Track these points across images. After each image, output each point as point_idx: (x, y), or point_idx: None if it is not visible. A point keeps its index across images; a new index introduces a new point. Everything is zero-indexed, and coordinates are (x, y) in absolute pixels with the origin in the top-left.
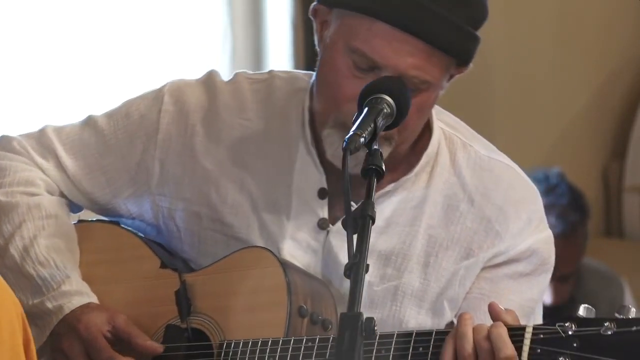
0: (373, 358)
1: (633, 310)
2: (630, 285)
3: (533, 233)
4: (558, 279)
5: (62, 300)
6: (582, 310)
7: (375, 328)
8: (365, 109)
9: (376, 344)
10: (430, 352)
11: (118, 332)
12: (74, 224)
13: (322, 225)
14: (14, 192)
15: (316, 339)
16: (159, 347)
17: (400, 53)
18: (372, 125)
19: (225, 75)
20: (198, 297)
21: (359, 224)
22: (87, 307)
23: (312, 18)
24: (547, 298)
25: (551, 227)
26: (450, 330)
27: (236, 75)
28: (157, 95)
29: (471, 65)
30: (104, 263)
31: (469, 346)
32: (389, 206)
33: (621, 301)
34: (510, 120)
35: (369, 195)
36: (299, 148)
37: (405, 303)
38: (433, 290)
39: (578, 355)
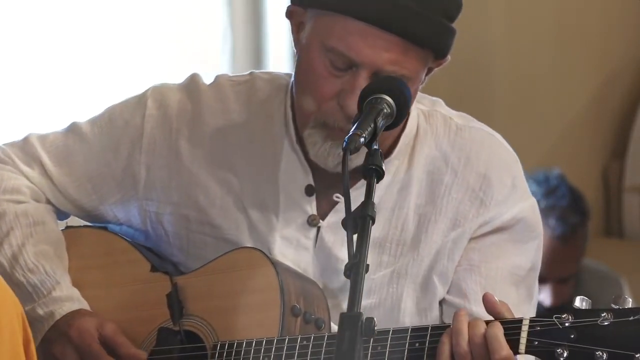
0: (369, 354)
1: (629, 300)
2: (630, 286)
3: (518, 201)
4: (558, 280)
5: (53, 307)
6: (578, 302)
7: (375, 328)
8: (365, 109)
9: (372, 340)
10: (426, 348)
11: (105, 340)
12: (63, 230)
13: (312, 222)
14: (0, 200)
15: (311, 337)
16: (141, 355)
17: (375, 49)
18: (372, 125)
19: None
20: (190, 300)
21: (359, 224)
22: (78, 312)
23: (288, 19)
24: (547, 299)
25: (551, 229)
26: (447, 326)
27: (217, 77)
28: (140, 100)
29: (449, 57)
30: (94, 268)
31: (464, 343)
32: (375, 193)
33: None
34: (510, 121)
35: (369, 195)
36: (283, 147)
37: (401, 283)
38: (425, 265)
39: (575, 346)
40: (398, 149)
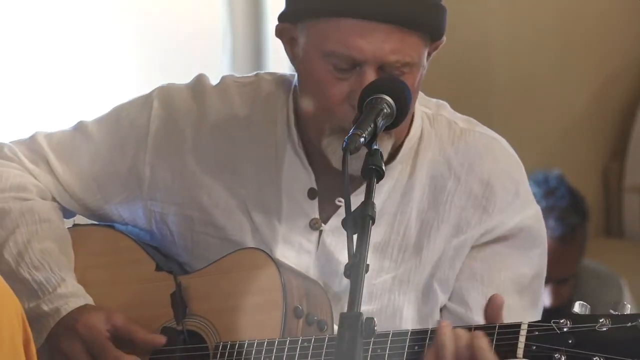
0: (369, 357)
1: (628, 306)
2: (629, 286)
3: (521, 209)
4: (557, 281)
5: (58, 303)
6: (577, 307)
7: (376, 328)
8: (365, 109)
9: (372, 343)
10: (425, 351)
11: (117, 331)
12: (69, 228)
13: (315, 225)
14: (6, 197)
15: (312, 339)
16: (161, 338)
17: (375, 43)
18: (372, 125)
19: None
20: (193, 299)
21: (359, 224)
22: (84, 308)
23: (279, 39)
24: (547, 300)
25: (551, 229)
26: None
27: (223, 78)
28: (146, 101)
29: (444, 38)
30: (99, 266)
31: (450, 356)
32: (377, 197)
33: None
34: (510, 121)
35: (369, 195)
36: (286, 150)
37: (403, 290)
38: (427, 272)
39: (573, 351)
40: (402, 153)
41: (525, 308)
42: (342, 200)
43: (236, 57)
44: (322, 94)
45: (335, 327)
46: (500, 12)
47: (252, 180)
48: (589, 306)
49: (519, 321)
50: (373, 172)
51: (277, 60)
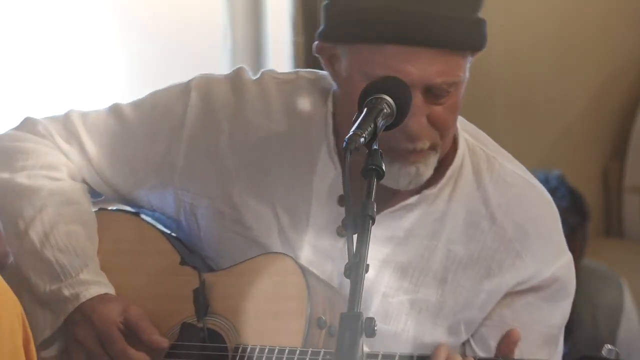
0: None
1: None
2: (629, 286)
3: (555, 259)
4: None
5: (79, 289)
6: (605, 351)
7: (375, 328)
8: (365, 109)
9: None
10: None
11: (129, 324)
12: (95, 211)
13: (341, 232)
14: (37, 175)
15: (333, 352)
16: (163, 342)
17: (420, 66)
18: (372, 125)
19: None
20: (216, 298)
21: (359, 224)
22: (103, 297)
23: (317, 56)
24: None
25: None
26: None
27: (263, 74)
28: (184, 90)
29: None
30: (123, 253)
31: None
32: (410, 218)
33: (620, 302)
34: (510, 121)
35: (369, 195)
36: (320, 153)
37: (421, 318)
38: (449, 308)
39: None
40: (444, 180)
41: (551, 355)
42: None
43: (236, 57)
44: None
45: None
46: (501, 12)
47: (282, 181)
48: (617, 351)
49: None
50: (373, 172)
51: (277, 59)
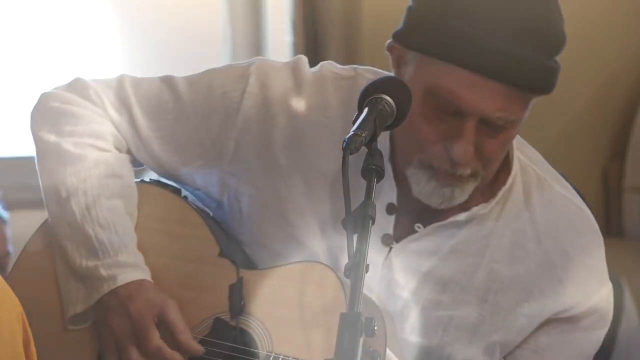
0: None
1: None
2: (629, 286)
3: (597, 289)
4: None
5: (116, 270)
6: None
7: (376, 328)
8: (365, 109)
9: None
10: None
11: (165, 321)
12: (136, 182)
13: (386, 241)
14: (84, 143)
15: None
16: (199, 350)
17: (483, 98)
18: (372, 125)
19: None
20: (252, 299)
21: (359, 223)
22: (141, 285)
23: (387, 53)
24: None
25: None
26: None
27: (322, 67)
28: (243, 74)
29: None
30: (161, 233)
31: None
32: (458, 235)
33: (620, 302)
34: None
35: (369, 195)
36: None
37: (457, 336)
38: (487, 328)
39: None
40: (496, 200)
41: None
42: (421, 226)
43: (236, 56)
44: (419, 128)
45: (388, 351)
46: None
47: (331, 181)
48: None
49: None
50: (373, 172)
51: (277, 59)
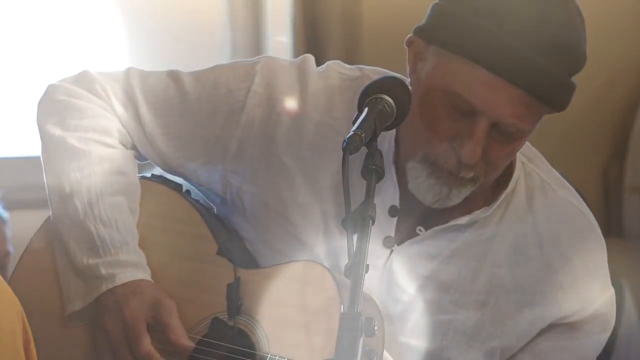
0: None
1: None
2: (629, 286)
3: (599, 295)
4: None
5: (116, 269)
6: None
7: (376, 328)
8: (365, 109)
9: None
10: None
11: (159, 320)
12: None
13: (388, 243)
14: (89, 139)
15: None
16: (188, 347)
17: (500, 101)
18: (372, 126)
19: None
20: (250, 298)
21: (359, 224)
22: (138, 286)
23: (405, 47)
24: None
25: None
26: None
27: (328, 66)
28: (249, 72)
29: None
30: (161, 230)
31: None
32: (459, 239)
33: (620, 302)
34: None
35: (369, 195)
36: None
37: (456, 340)
38: (487, 332)
39: None
40: (497, 205)
41: None
42: (423, 229)
43: (236, 55)
44: (430, 124)
45: (385, 353)
46: None
47: (334, 182)
48: None
49: None
50: (373, 172)
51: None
